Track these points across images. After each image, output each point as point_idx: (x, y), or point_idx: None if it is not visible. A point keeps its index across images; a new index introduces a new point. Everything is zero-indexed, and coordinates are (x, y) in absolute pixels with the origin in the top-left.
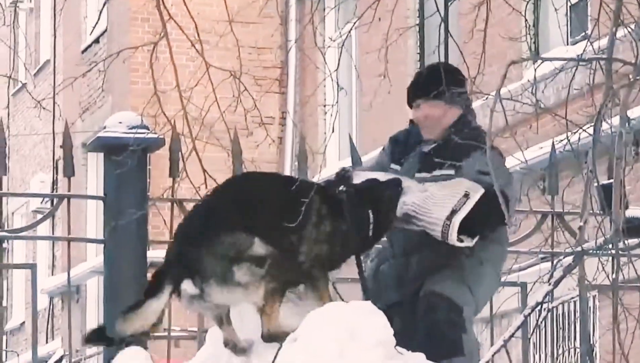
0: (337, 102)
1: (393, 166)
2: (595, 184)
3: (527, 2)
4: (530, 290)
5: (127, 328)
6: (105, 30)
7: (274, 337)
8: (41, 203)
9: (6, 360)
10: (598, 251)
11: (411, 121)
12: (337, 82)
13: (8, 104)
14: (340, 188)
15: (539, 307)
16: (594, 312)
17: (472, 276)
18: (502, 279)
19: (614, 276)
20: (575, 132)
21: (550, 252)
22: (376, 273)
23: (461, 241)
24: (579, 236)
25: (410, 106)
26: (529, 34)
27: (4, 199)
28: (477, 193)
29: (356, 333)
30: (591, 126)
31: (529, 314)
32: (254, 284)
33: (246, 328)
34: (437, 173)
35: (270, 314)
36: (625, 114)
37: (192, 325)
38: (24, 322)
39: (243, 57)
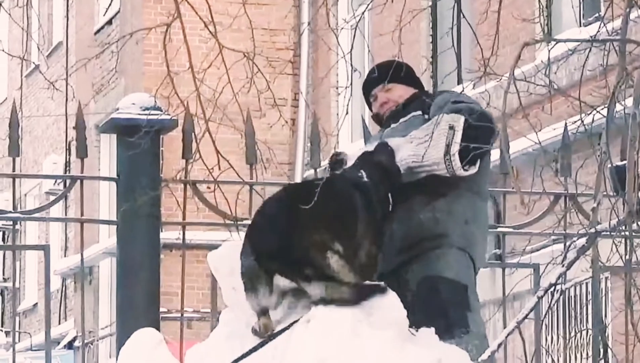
0: (350, 84)
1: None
2: (609, 165)
3: None
4: (543, 271)
5: None
6: (118, 12)
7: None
8: (54, 184)
9: (19, 341)
10: (611, 233)
11: (373, 118)
12: (351, 64)
13: (21, 86)
14: (360, 175)
15: (552, 289)
16: (606, 294)
17: (458, 237)
18: (515, 261)
19: (627, 257)
20: (588, 114)
21: (563, 234)
22: None
23: (466, 170)
24: (592, 218)
25: (369, 105)
26: (542, 15)
27: (17, 180)
28: (460, 122)
29: (369, 313)
30: (605, 107)
31: (542, 296)
32: (344, 272)
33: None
34: (404, 118)
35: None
36: (639, 96)
37: (205, 306)
38: (36, 303)
39: (256, 39)
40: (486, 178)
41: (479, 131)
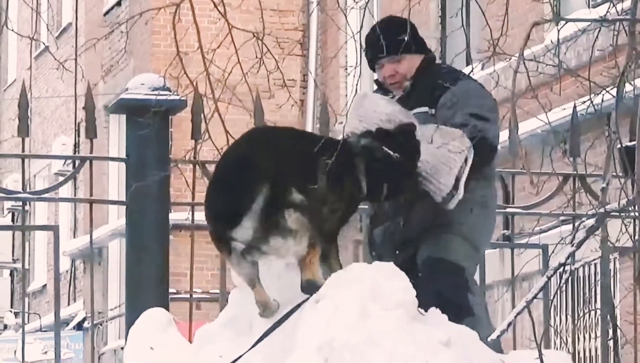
0: (359, 64)
1: None
2: (618, 146)
3: None
4: (552, 251)
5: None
6: None
7: (314, 287)
8: (63, 165)
9: (28, 322)
10: (620, 213)
11: (376, 82)
12: (360, 44)
13: (30, 67)
14: (363, 143)
15: (561, 269)
16: (614, 274)
17: (465, 226)
18: (524, 241)
19: (636, 238)
20: (598, 94)
21: (572, 214)
22: (370, 237)
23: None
24: (602, 198)
25: (373, 68)
26: None
27: (26, 162)
28: (472, 153)
29: (378, 294)
30: (614, 87)
31: (552, 276)
32: (301, 232)
33: (277, 287)
34: (413, 111)
35: (311, 264)
36: None
37: (214, 287)
38: (45, 285)
39: (265, 20)
40: (494, 163)
41: (479, 160)
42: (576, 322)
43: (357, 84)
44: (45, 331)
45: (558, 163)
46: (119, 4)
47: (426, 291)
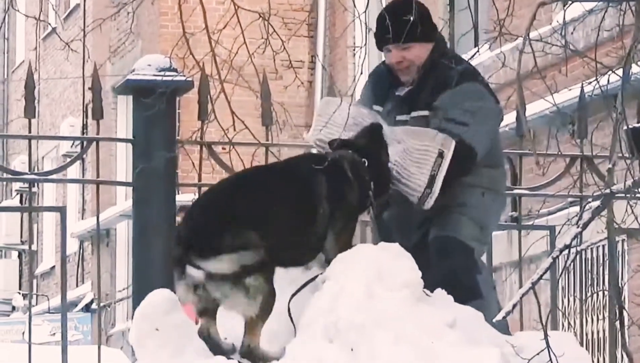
0: (365, 44)
1: (375, 107)
2: (625, 127)
3: None
4: (559, 233)
5: None
6: None
7: (252, 356)
8: (71, 146)
9: (36, 304)
10: (626, 194)
11: (384, 63)
12: (367, 24)
13: (37, 47)
14: (336, 155)
15: (566, 250)
16: (622, 256)
17: (477, 209)
18: (530, 223)
19: None
20: (604, 74)
21: (579, 195)
22: (380, 223)
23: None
24: (608, 179)
25: (381, 49)
26: None
27: (34, 143)
28: (450, 150)
29: (383, 275)
30: (620, 67)
31: (557, 256)
32: (257, 294)
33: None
34: (414, 114)
35: (256, 329)
36: None
37: None
38: (54, 266)
39: (271, 0)
40: (500, 148)
41: (461, 163)
42: (583, 303)
43: (362, 64)
44: (53, 313)
45: (565, 144)
46: None
47: (435, 270)
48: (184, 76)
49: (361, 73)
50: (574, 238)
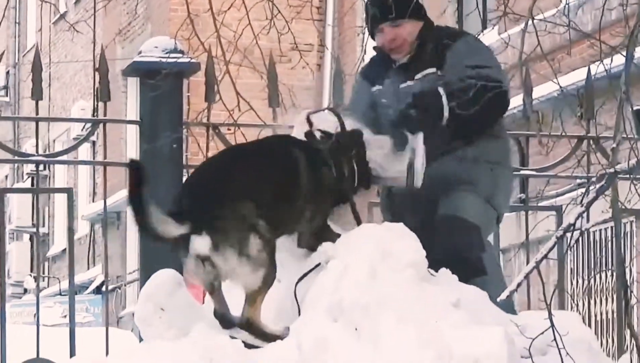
0: (368, 23)
1: (376, 87)
2: (630, 107)
3: None
4: (564, 212)
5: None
6: None
7: (251, 328)
8: (82, 130)
9: (48, 287)
10: (630, 174)
11: (375, 48)
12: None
13: (41, 30)
14: (319, 136)
15: (571, 229)
16: (630, 237)
17: (485, 185)
18: (537, 204)
19: None
20: (608, 55)
21: (586, 176)
22: (389, 198)
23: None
24: (612, 158)
25: (373, 35)
26: None
27: (45, 126)
28: (419, 139)
29: (388, 255)
30: (625, 48)
31: (561, 236)
32: (259, 263)
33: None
34: (419, 75)
35: (256, 302)
36: None
37: None
38: (65, 249)
39: None
40: (503, 121)
41: (488, 100)
42: (590, 284)
43: (365, 45)
44: (64, 295)
45: (573, 126)
46: None
47: (440, 249)
48: (190, 57)
49: (364, 53)
50: (577, 217)
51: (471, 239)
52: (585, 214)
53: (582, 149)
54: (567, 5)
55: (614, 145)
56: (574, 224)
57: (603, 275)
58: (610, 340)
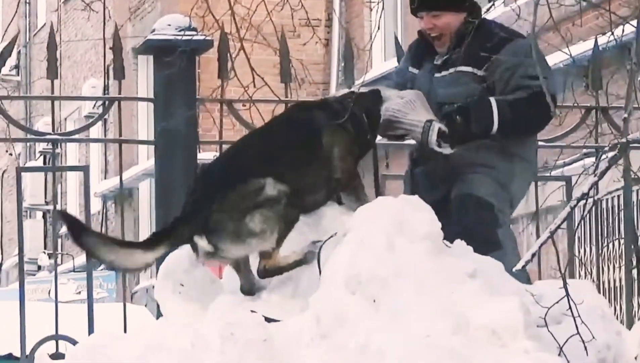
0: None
1: (411, 69)
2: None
3: None
4: (575, 183)
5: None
6: None
7: (272, 272)
8: (93, 107)
9: (61, 263)
10: None
11: (419, 32)
12: None
13: (59, 10)
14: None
15: (584, 199)
16: (637, 206)
17: (503, 173)
18: (547, 174)
19: None
20: (619, 25)
21: (594, 146)
22: (411, 177)
23: (439, 145)
24: (624, 128)
25: (415, 16)
26: None
27: (56, 105)
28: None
29: (404, 227)
30: (635, 18)
31: (575, 206)
32: (269, 229)
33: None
34: (452, 70)
35: (272, 254)
36: None
37: None
38: None
39: None
40: None
41: (537, 113)
42: (600, 252)
43: (379, 20)
44: (78, 271)
45: (581, 96)
46: None
47: (455, 226)
48: (204, 35)
49: (378, 29)
50: (591, 187)
51: (485, 215)
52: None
53: (591, 119)
54: None
55: (626, 115)
56: (587, 194)
57: (611, 243)
58: (618, 308)
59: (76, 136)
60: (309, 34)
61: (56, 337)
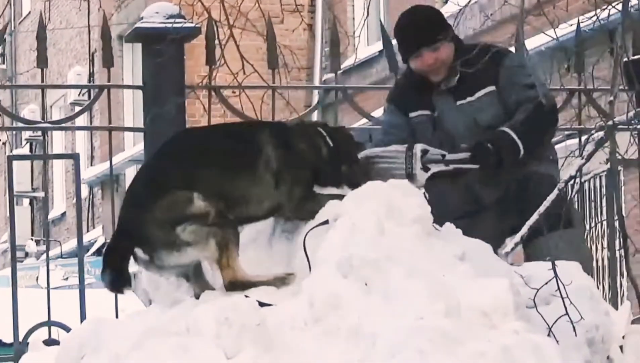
0: None
1: (421, 112)
2: (625, 59)
3: None
4: (562, 165)
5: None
6: None
7: (238, 286)
8: (79, 95)
9: (49, 249)
10: (628, 126)
11: (405, 75)
12: None
13: None
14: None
15: (572, 181)
16: (620, 186)
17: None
18: None
19: None
20: (604, 9)
21: (578, 128)
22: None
23: (427, 169)
24: (610, 110)
25: (405, 60)
26: None
27: (41, 91)
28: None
29: (394, 211)
30: (619, 2)
31: (563, 188)
32: (202, 240)
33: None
34: (479, 94)
35: (228, 263)
36: None
37: None
38: (65, 212)
39: None
40: None
41: (541, 121)
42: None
43: (368, 7)
44: (65, 257)
45: (565, 77)
46: None
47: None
48: (192, 22)
49: (367, 15)
50: (578, 169)
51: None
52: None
53: (575, 101)
54: None
55: (611, 98)
56: (574, 176)
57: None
58: (602, 287)
59: (66, 124)
60: (293, 20)
61: (49, 323)
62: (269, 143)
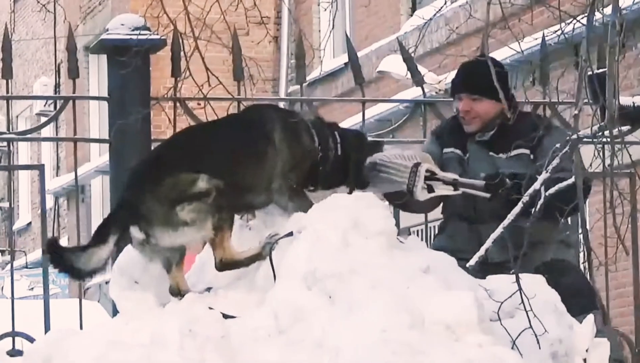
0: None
1: (455, 150)
2: (589, 73)
3: None
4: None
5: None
6: None
7: (228, 265)
8: (44, 106)
9: (14, 260)
10: (593, 139)
11: (454, 118)
12: None
13: (12, 10)
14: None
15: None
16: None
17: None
18: None
19: (609, 162)
20: (568, 23)
21: None
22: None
23: (432, 190)
24: (574, 124)
25: (453, 97)
26: None
27: (8, 103)
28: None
29: (359, 223)
30: (584, 16)
31: (527, 201)
32: (200, 219)
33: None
34: (514, 152)
35: (222, 243)
36: (617, 3)
37: None
38: (30, 222)
39: None
40: None
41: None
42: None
43: (334, 19)
44: (31, 268)
45: (530, 90)
46: None
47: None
48: (158, 34)
49: (333, 27)
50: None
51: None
52: None
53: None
54: None
55: (576, 111)
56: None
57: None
58: None
59: (32, 135)
60: (259, 32)
61: (13, 334)
62: (281, 138)
